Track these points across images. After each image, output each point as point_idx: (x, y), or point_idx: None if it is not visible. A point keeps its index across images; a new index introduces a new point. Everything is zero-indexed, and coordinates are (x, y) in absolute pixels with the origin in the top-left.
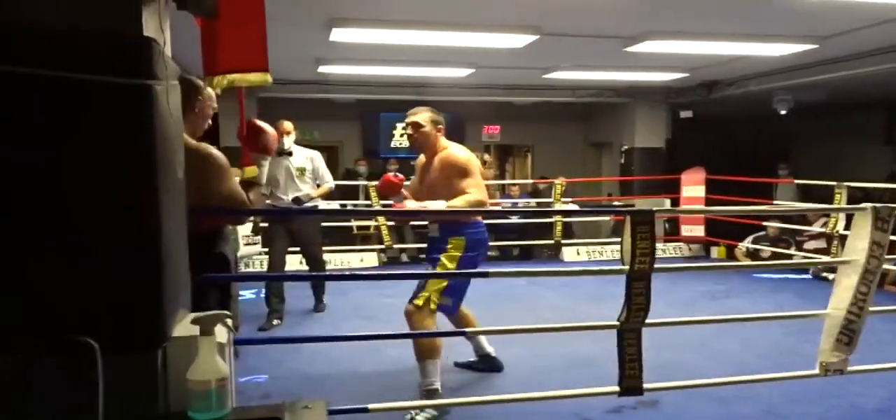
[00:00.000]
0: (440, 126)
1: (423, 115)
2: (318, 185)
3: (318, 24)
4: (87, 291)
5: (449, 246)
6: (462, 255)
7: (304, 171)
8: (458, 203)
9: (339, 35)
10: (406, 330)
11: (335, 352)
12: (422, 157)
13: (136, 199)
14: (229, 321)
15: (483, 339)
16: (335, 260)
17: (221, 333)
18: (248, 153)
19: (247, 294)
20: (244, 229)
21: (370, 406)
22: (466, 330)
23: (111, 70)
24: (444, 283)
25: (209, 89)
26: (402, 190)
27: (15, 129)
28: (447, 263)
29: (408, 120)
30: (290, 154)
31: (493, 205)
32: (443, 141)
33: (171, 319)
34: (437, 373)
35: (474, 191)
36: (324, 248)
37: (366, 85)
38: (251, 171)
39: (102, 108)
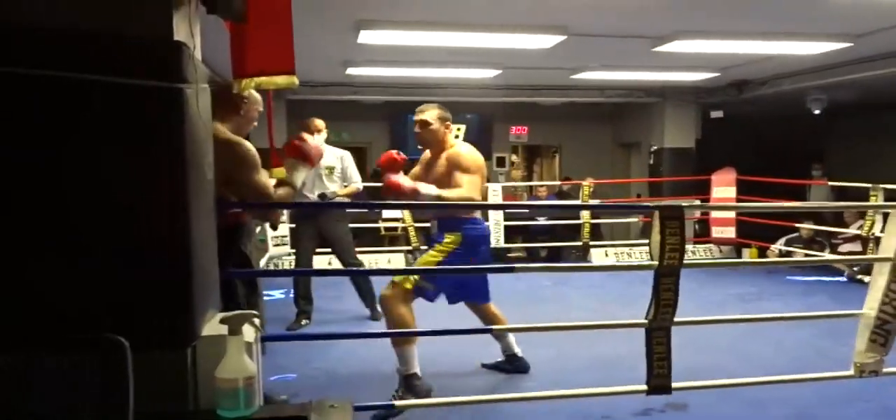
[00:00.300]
0: (448, 123)
1: (431, 113)
2: (346, 186)
3: (346, 27)
4: (119, 291)
5: (445, 239)
6: (455, 250)
7: (333, 170)
8: (449, 194)
9: (366, 37)
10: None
11: (362, 351)
12: (426, 153)
13: (166, 200)
14: (257, 320)
15: (511, 339)
16: (364, 260)
17: (249, 333)
18: (279, 155)
19: (276, 294)
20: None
21: (397, 403)
22: (494, 327)
23: (143, 74)
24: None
25: (255, 93)
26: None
27: (50, 131)
28: (434, 254)
29: (417, 117)
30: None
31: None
32: (451, 139)
33: (200, 319)
34: (413, 359)
35: (467, 187)
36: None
37: (393, 86)
38: (279, 172)
39: (134, 110)
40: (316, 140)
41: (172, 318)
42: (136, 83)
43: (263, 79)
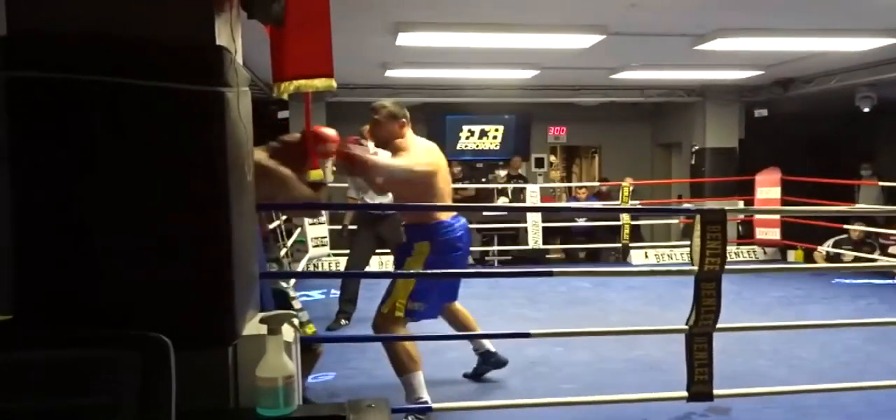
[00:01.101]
0: (402, 120)
1: (381, 112)
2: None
3: (385, 30)
4: (162, 290)
5: (414, 250)
6: (426, 258)
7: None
8: (393, 163)
9: (405, 39)
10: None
11: None
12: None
13: (208, 201)
14: (296, 321)
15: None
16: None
17: (288, 332)
18: (315, 157)
19: (315, 294)
20: (315, 231)
21: (434, 405)
22: (470, 333)
23: (185, 78)
24: (410, 289)
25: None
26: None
27: (95, 135)
28: (409, 268)
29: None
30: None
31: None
32: (407, 134)
33: (241, 319)
34: (422, 385)
35: (410, 157)
36: None
37: (431, 88)
38: (316, 173)
39: (176, 114)
40: (371, 148)
41: (214, 317)
42: (179, 87)
43: (302, 82)
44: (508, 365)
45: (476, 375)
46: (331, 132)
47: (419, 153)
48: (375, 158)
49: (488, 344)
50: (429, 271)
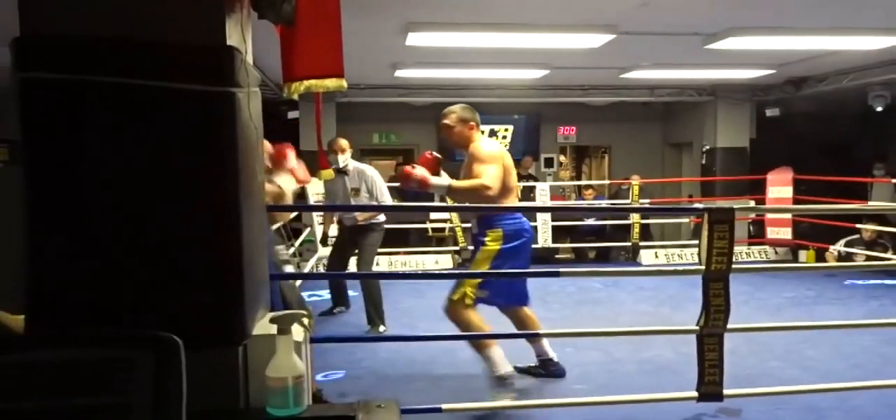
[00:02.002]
0: (471, 124)
1: (451, 117)
2: (377, 201)
3: (395, 29)
4: (173, 290)
5: (487, 238)
6: (501, 246)
7: (358, 191)
8: (462, 184)
9: (415, 39)
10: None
11: (410, 352)
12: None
13: (219, 201)
14: (306, 321)
15: (545, 342)
16: (411, 261)
17: (298, 332)
18: (324, 158)
19: (324, 294)
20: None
21: (444, 406)
22: (528, 332)
23: (196, 78)
24: (479, 279)
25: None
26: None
27: (105, 136)
28: (483, 258)
29: (441, 122)
30: (345, 173)
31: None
32: (476, 136)
33: (251, 318)
34: (502, 358)
35: (484, 176)
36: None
37: (441, 88)
38: (327, 174)
39: (187, 114)
40: (342, 159)
41: (224, 317)
42: (190, 88)
43: (312, 82)
44: (548, 376)
45: (528, 371)
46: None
47: (490, 167)
48: (461, 184)
49: (550, 352)
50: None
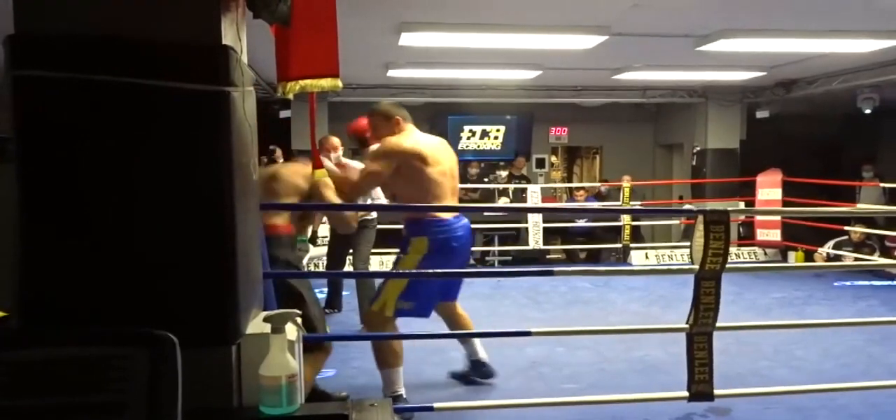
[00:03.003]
0: (396, 118)
1: (375, 114)
2: (373, 201)
3: (388, 29)
4: (167, 289)
5: (410, 247)
6: (423, 256)
7: None
8: (353, 169)
9: (408, 39)
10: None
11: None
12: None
13: (213, 200)
14: (299, 319)
15: (477, 344)
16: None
17: (292, 331)
18: (318, 157)
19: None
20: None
21: (435, 405)
22: (462, 332)
23: (191, 77)
24: (401, 288)
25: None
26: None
27: (101, 135)
28: (407, 265)
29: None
30: None
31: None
32: (407, 131)
33: (244, 317)
34: (400, 380)
35: (369, 162)
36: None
37: (434, 88)
38: (321, 173)
39: (182, 113)
40: (334, 158)
41: (218, 315)
42: (185, 87)
43: (308, 81)
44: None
45: (462, 378)
46: (333, 140)
47: (383, 151)
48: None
49: (481, 352)
50: (422, 271)
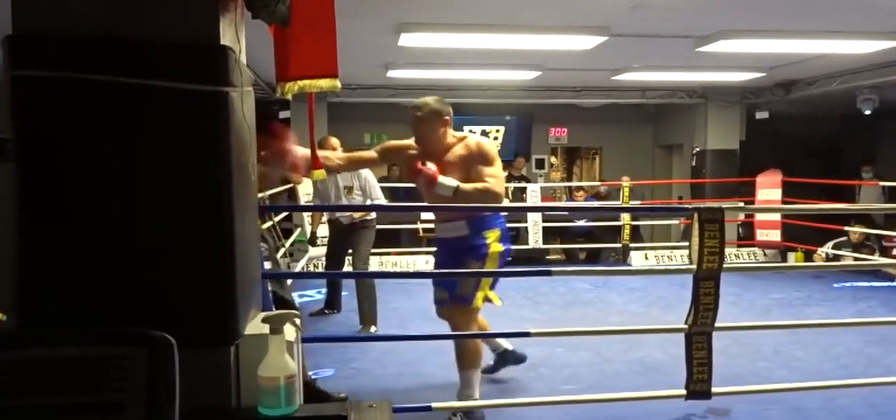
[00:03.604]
0: (445, 117)
1: (424, 109)
2: (372, 202)
3: (388, 30)
4: (165, 289)
5: (488, 239)
6: (503, 246)
7: (352, 190)
8: (471, 186)
9: (407, 40)
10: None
11: (400, 351)
12: (414, 147)
13: (212, 200)
14: (298, 320)
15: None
16: (402, 261)
17: (290, 332)
18: (317, 159)
19: (312, 293)
20: (319, 231)
21: (434, 404)
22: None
23: (189, 78)
24: (491, 279)
25: None
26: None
27: (98, 135)
28: (492, 261)
29: (412, 112)
30: (338, 171)
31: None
32: (451, 132)
33: (243, 318)
34: (478, 383)
35: (495, 181)
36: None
37: (433, 89)
38: (319, 174)
39: (181, 113)
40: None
41: (217, 316)
42: (184, 87)
43: (307, 82)
44: (509, 365)
45: (491, 371)
46: (333, 141)
47: (499, 169)
48: (451, 184)
49: (505, 343)
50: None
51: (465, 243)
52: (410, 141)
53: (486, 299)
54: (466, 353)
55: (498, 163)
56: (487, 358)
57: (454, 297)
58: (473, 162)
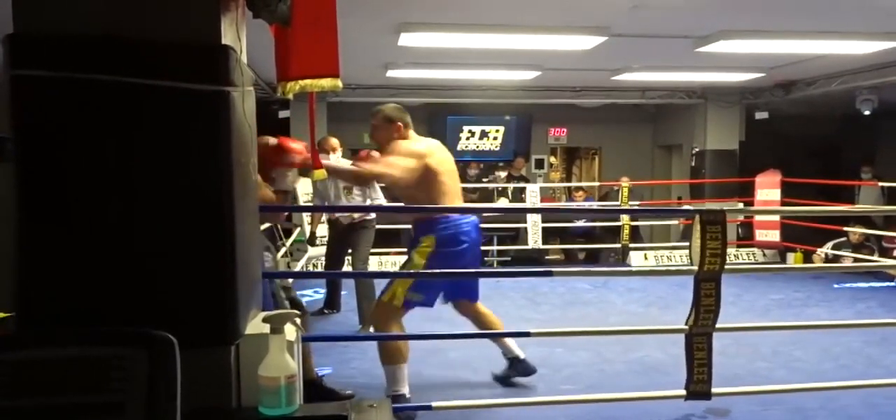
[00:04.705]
0: (398, 124)
1: (377, 116)
2: (372, 202)
3: (388, 30)
4: (167, 289)
5: (422, 242)
6: (431, 252)
7: (351, 190)
8: (343, 166)
9: (407, 40)
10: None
11: None
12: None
13: (213, 200)
14: (299, 320)
15: (511, 342)
16: (401, 262)
17: (291, 332)
18: (317, 158)
19: (309, 293)
20: (318, 231)
21: (434, 404)
22: (493, 332)
23: (191, 77)
24: (410, 281)
25: None
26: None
27: (100, 135)
28: (418, 260)
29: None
30: None
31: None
32: (410, 138)
33: (243, 317)
34: (404, 379)
35: (382, 163)
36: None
37: (433, 88)
38: (320, 173)
39: (182, 113)
40: (332, 158)
41: (217, 316)
42: (185, 87)
43: (308, 81)
44: (517, 376)
45: (503, 380)
46: (297, 144)
47: (399, 159)
48: (331, 163)
49: (517, 350)
50: (428, 271)
51: (410, 241)
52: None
53: (407, 302)
54: (386, 349)
55: (405, 155)
56: (498, 365)
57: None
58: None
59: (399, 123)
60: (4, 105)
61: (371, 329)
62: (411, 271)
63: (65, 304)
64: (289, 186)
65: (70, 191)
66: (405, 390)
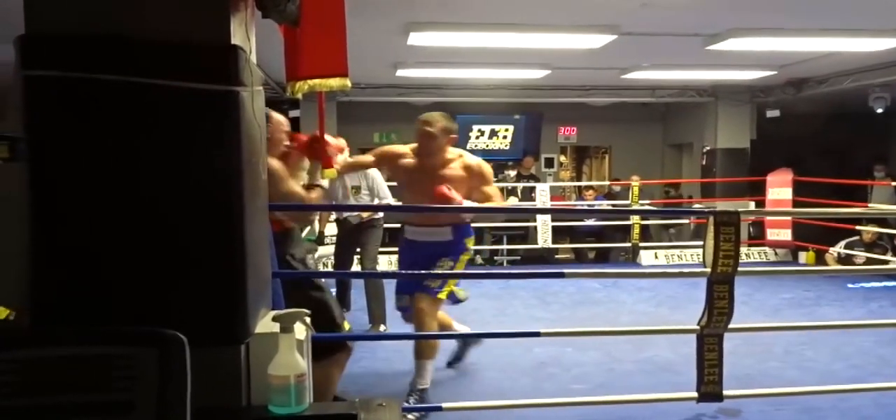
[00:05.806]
0: (453, 135)
1: (436, 125)
2: (380, 201)
3: (397, 29)
4: (177, 288)
5: (465, 245)
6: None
7: (359, 189)
8: (490, 205)
9: (416, 39)
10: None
11: (409, 350)
12: (412, 156)
13: (222, 200)
14: (308, 319)
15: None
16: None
17: (300, 331)
18: (328, 157)
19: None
20: (327, 230)
21: (444, 405)
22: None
23: (200, 77)
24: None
25: (277, 116)
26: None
27: (111, 135)
28: (465, 258)
29: (424, 127)
30: None
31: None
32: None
33: (253, 316)
34: (430, 374)
35: (497, 196)
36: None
37: (442, 88)
38: (330, 173)
39: (192, 113)
40: (341, 158)
41: (227, 315)
42: (194, 87)
43: (317, 81)
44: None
45: (457, 360)
46: (339, 142)
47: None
48: (470, 205)
49: (458, 326)
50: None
51: (444, 246)
52: (405, 148)
53: (451, 294)
54: (426, 344)
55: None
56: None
57: (423, 287)
58: (474, 180)
59: (453, 134)
60: (16, 105)
61: (381, 328)
62: (457, 272)
63: (76, 304)
64: (323, 181)
65: (80, 191)
66: (428, 384)
